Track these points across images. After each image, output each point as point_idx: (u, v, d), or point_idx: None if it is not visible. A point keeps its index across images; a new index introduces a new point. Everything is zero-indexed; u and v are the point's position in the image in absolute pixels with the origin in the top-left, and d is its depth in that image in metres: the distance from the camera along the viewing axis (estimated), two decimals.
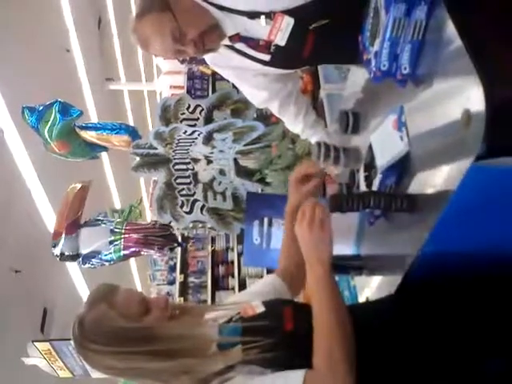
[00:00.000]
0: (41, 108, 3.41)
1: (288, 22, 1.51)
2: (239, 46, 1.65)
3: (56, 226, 3.80)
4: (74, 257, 3.74)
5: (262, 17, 1.53)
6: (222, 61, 1.76)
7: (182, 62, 5.60)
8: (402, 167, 1.16)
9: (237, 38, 1.62)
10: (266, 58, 1.64)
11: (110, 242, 3.64)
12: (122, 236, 3.63)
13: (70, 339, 3.71)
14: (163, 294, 1.37)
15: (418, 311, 1.16)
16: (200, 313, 1.29)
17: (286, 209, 1.41)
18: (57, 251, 3.74)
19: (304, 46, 1.56)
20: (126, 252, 3.62)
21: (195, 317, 1.25)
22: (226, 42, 1.65)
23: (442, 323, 1.12)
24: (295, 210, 1.27)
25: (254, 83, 1.80)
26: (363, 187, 1.34)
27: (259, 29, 1.57)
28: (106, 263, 3.71)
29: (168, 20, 1.51)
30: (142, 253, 3.75)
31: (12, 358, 3.94)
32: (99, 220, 3.81)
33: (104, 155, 6.41)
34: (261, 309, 1.20)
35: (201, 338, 1.14)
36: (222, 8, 1.56)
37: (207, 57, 1.78)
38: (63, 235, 3.68)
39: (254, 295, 1.34)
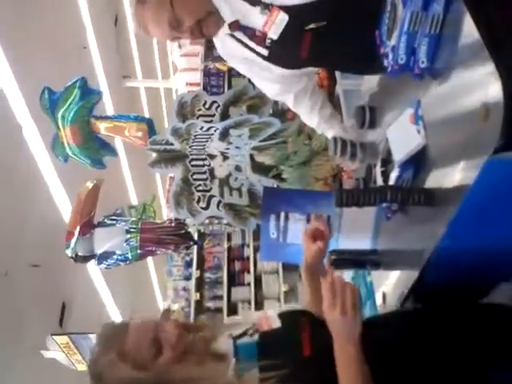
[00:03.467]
0: (63, 89, 3.38)
1: (282, 18, 1.54)
2: (238, 35, 1.68)
3: (69, 227, 3.80)
4: (88, 258, 3.74)
5: (261, 6, 1.56)
6: (233, 53, 1.78)
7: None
8: (419, 161, 1.16)
9: (235, 25, 1.65)
10: (265, 52, 1.66)
11: (126, 241, 3.64)
12: (138, 235, 3.63)
13: (88, 333, 3.75)
14: (174, 324, 1.23)
15: (429, 321, 1.15)
16: (214, 336, 1.22)
17: (302, 266, 1.38)
18: (71, 253, 3.73)
19: (300, 46, 1.58)
20: (143, 251, 3.62)
21: (208, 344, 1.18)
22: (227, 30, 1.67)
23: (450, 334, 1.12)
24: (310, 268, 1.32)
25: (263, 76, 1.80)
26: (380, 182, 1.34)
27: (256, 18, 1.59)
28: (122, 263, 3.71)
29: (165, 9, 1.56)
30: (158, 252, 3.74)
31: (31, 351, 4.00)
32: (114, 219, 3.81)
33: (121, 151, 6.46)
34: (276, 323, 1.18)
35: (214, 376, 1.12)
36: None
37: (221, 51, 1.82)
38: (77, 236, 3.68)
39: None
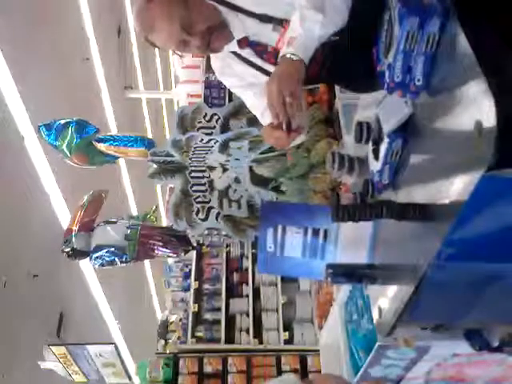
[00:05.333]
0: (57, 124, 3.48)
1: None
2: (247, 52, 1.64)
3: (69, 225, 3.83)
4: (84, 253, 3.71)
5: (273, 23, 1.51)
6: (228, 70, 1.75)
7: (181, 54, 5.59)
8: (408, 130, 1.19)
9: (245, 42, 1.61)
10: (272, 69, 1.58)
11: (125, 237, 3.63)
12: (138, 230, 3.63)
13: (85, 344, 3.77)
14: None
15: None
16: None
17: None
18: (67, 248, 3.70)
19: (312, 61, 1.50)
20: (141, 248, 3.59)
21: None
22: (235, 48, 1.64)
23: None
24: None
25: (257, 91, 1.74)
26: (372, 160, 1.35)
27: (268, 34, 1.55)
28: (117, 259, 3.65)
29: (180, 6, 1.49)
30: (156, 251, 3.70)
31: (29, 361, 3.99)
32: (115, 221, 3.81)
33: (122, 163, 6.52)
34: None
35: None
36: (233, 7, 1.55)
37: (215, 66, 1.78)
38: (75, 232, 3.68)
39: None
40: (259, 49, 1.62)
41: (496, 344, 1.39)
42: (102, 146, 3.44)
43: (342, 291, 2.03)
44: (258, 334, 4.46)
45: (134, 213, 6.26)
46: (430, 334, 1.42)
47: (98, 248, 3.63)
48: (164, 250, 3.67)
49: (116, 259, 3.62)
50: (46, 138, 3.51)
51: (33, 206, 4.38)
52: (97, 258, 3.64)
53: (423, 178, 1.16)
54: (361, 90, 1.72)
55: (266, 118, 1.73)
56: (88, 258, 3.72)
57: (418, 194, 1.18)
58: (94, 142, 3.45)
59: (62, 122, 3.47)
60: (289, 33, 1.42)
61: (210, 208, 3.04)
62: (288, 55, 1.37)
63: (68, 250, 3.70)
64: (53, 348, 3.86)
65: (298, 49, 1.36)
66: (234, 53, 1.68)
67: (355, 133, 1.42)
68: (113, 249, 3.60)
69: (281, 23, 1.50)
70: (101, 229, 3.73)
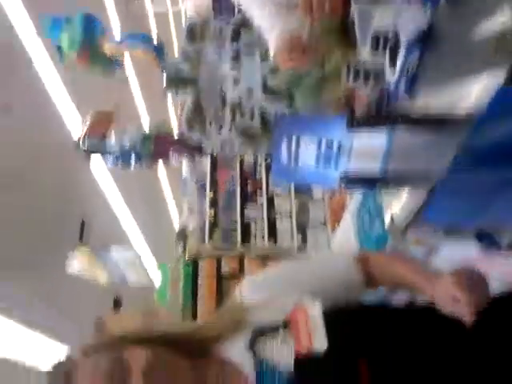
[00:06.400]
0: (61, 19, 3.34)
1: None
2: None
3: (80, 134, 3.83)
4: (98, 150, 3.68)
5: None
6: None
7: None
8: (425, 41, 1.20)
9: None
10: None
11: (141, 135, 3.64)
12: (153, 134, 3.65)
13: (108, 247, 3.87)
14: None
15: None
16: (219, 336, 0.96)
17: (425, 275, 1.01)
18: (82, 145, 3.68)
19: None
20: (157, 147, 3.60)
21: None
22: None
23: None
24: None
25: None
26: (388, 71, 1.36)
27: None
28: (133, 158, 3.64)
29: None
30: (172, 152, 3.69)
31: (54, 268, 4.19)
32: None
33: (133, 78, 6.43)
34: (321, 343, 0.83)
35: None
36: None
37: None
38: (87, 135, 3.66)
39: (315, 284, 1.03)
40: None
41: (506, 244, 1.46)
42: (106, 46, 3.34)
43: (355, 198, 2.09)
44: (273, 239, 4.64)
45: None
46: (441, 235, 1.50)
47: (113, 146, 3.63)
48: (179, 151, 3.68)
49: (132, 156, 3.62)
50: (47, 32, 3.38)
51: (47, 126, 4.43)
52: (111, 155, 3.64)
53: (440, 89, 1.18)
54: None
55: (272, 33, 1.75)
56: (102, 157, 3.73)
57: (434, 104, 1.21)
58: (100, 44, 3.34)
59: (68, 16, 3.34)
60: None
61: (223, 120, 3.06)
62: None
63: (81, 146, 3.70)
64: (77, 252, 4.02)
65: None
66: None
67: (372, 43, 1.41)
68: (128, 146, 3.60)
69: None
70: (114, 132, 3.70)
